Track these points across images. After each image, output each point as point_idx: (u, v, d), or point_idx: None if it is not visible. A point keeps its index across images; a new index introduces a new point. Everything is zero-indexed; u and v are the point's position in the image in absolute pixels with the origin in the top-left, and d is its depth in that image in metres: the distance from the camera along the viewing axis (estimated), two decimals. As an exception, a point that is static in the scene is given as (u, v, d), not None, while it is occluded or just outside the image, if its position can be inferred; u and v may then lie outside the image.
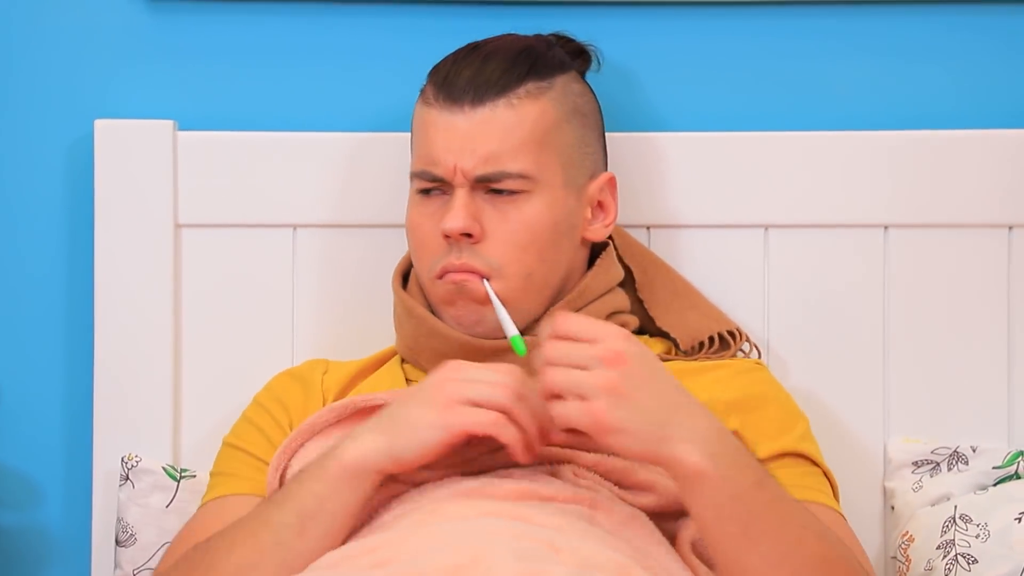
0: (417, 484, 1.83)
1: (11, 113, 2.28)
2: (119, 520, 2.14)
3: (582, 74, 2.14)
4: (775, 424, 2.02)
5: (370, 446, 1.74)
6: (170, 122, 2.20)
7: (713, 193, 2.22)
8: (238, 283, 2.24)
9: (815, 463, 2.00)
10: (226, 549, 1.78)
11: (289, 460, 1.90)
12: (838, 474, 2.11)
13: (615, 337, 1.71)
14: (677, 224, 2.22)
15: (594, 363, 1.70)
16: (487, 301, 1.96)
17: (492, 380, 1.77)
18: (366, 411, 1.88)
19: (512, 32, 2.12)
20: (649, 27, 2.27)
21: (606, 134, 2.18)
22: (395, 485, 1.82)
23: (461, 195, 1.96)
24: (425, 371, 1.96)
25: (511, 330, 1.92)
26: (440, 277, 1.97)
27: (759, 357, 2.18)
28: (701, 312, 2.15)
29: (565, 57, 2.08)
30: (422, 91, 2.05)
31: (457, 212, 1.95)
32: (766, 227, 2.19)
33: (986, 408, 2.26)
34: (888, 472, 2.22)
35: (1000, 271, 2.20)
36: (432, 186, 1.99)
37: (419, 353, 2.00)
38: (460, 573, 1.60)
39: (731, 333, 2.12)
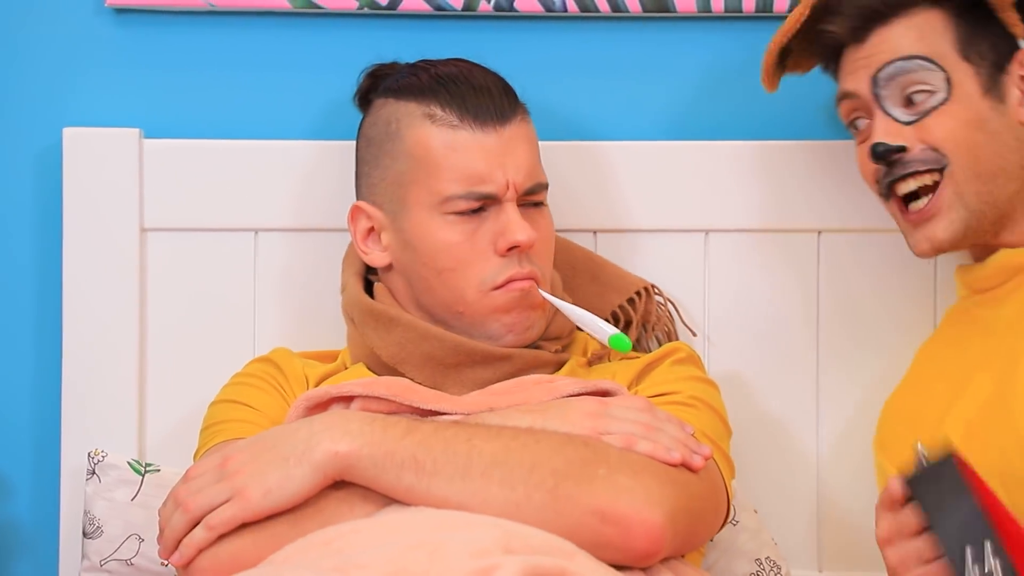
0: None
1: (-19, 122, 2.36)
2: (86, 513, 2.14)
3: None
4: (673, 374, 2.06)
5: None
6: (136, 130, 2.22)
7: (657, 199, 2.24)
8: (201, 285, 2.25)
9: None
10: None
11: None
12: (774, 459, 2.22)
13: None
14: (622, 229, 2.23)
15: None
16: (540, 307, 2.00)
17: (629, 416, 1.85)
18: (339, 400, 1.90)
19: (460, 50, 2.13)
20: (593, 39, 2.29)
21: (555, 143, 2.22)
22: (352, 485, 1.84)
23: (515, 208, 1.99)
24: (410, 377, 2.00)
25: (611, 329, 1.96)
26: (500, 287, 1.99)
27: (669, 315, 2.20)
28: (602, 283, 2.17)
29: None
30: (429, 116, 2.03)
31: (524, 224, 1.97)
32: (706, 231, 2.22)
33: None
34: (820, 454, 2.26)
35: (927, 275, 2.23)
36: (480, 204, 1.99)
37: (405, 360, 2.02)
38: (409, 562, 1.63)
39: (631, 300, 2.15)
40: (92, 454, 2.16)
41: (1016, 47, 2.02)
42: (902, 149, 1.99)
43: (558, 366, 2.07)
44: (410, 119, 2.00)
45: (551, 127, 2.22)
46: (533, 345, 2.05)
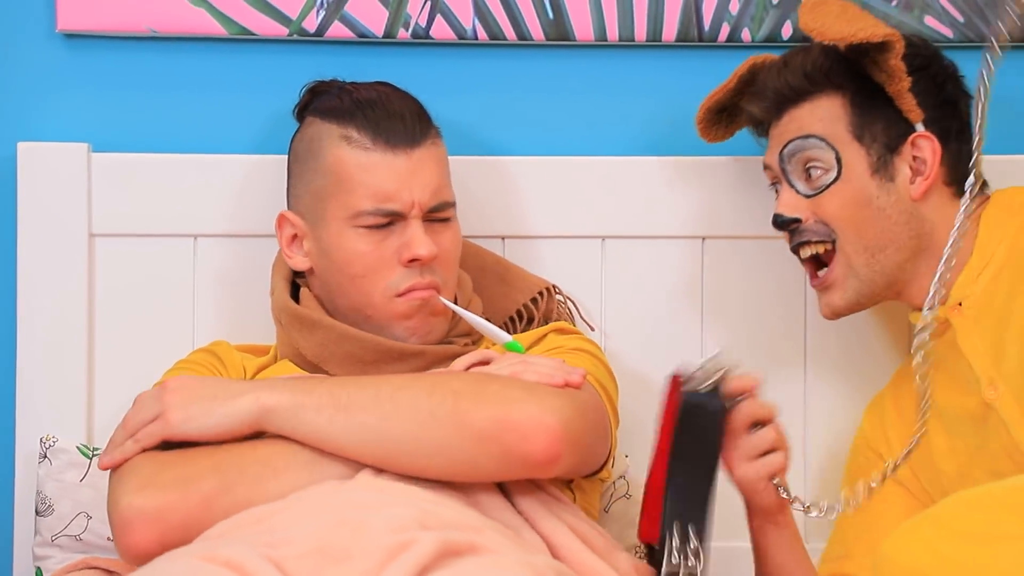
0: None
1: (-60, 136, 2.35)
2: (38, 493, 2.17)
3: None
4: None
5: None
6: (85, 145, 2.25)
7: (558, 208, 2.28)
8: (145, 285, 2.27)
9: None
10: None
11: None
12: None
13: None
14: (528, 235, 2.28)
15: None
16: (440, 313, 2.04)
17: (544, 370, 1.89)
18: None
19: (382, 73, 2.16)
20: (500, 64, 2.33)
21: (473, 157, 2.27)
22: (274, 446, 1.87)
23: (417, 225, 2.02)
24: (333, 373, 2.03)
25: (506, 336, 2.02)
26: (403, 295, 2.03)
27: (568, 312, 2.21)
28: (508, 284, 2.21)
29: None
30: (346, 138, 2.06)
31: (425, 240, 2.01)
32: (603, 238, 2.27)
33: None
34: None
35: (798, 277, 2.24)
36: (388, 220, 2.02)
37: (328, 359, 2.05)
38: (334, 538, 1.67)
39: (534, 300, 2.18)
40: (44, 439, 2.18)
41: (912, 130, 2.05)
42: (796, 220, 2.05)
43: (437, 359, 2.07)
44: (330, 139, 2.04)
45: (463, 143, 2.26)
46: (447, 341, 2.07)
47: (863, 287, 2.05)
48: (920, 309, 2.01)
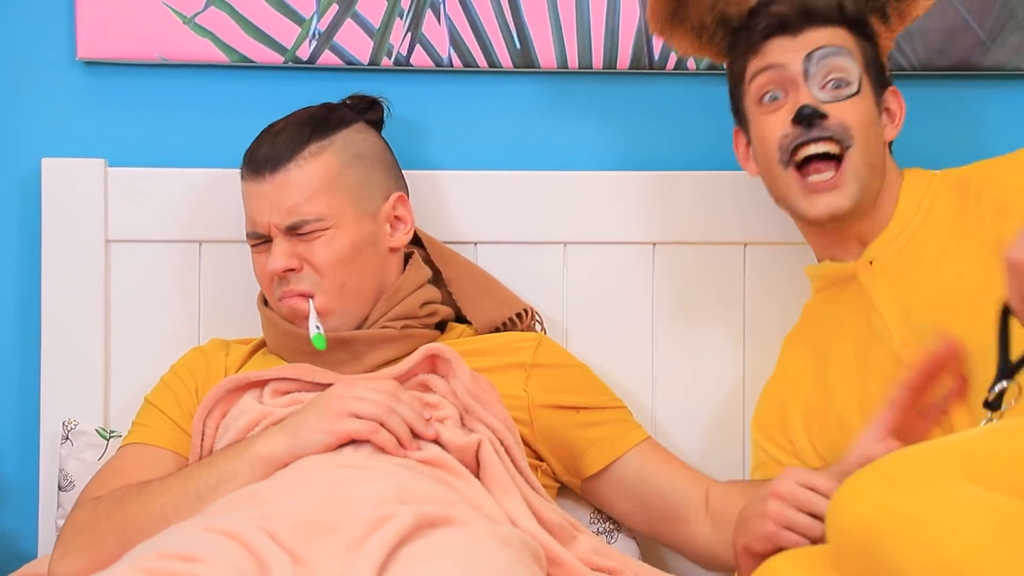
0: None
1: (-26, 154, 2.33)
2: (61, 471, 2.18)
3: (375, 121, 2.16)
4: (578, 381, 2.11)
5: (279, 445, 1.83)
6: (101, 160, 2.26)
7: (525, 217, 2.29)
8: (155, 286, 2.29)
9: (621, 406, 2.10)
10: (159, 492, 1.86)
11: (210, 409, 1.97)
12: None
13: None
14: (498, 241, 2.29)
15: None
16: (321, 313, 2.03)
17: (372, 397, 1.84)
18: (256, 384, 1.98)
19: (355, 90, 2.18)
20: (474, 88, 2.35)
21: (451, 171, 2.28)
22: None
23: (278, 243, 2.03)
24: (286, 360, 2.06)
25: (312, 331, 2.01)
26: (280, 300, 2.04)
27: (543, 331, 2.20)
28: (498, 299, 2.19)
29: (348, 114, 2.11)
30: (241, 168, 2.08)
31: (276, 257, 2.02)
32: (565, 243, 2.29)
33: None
34: (655, 413, 2.29)
35: (738, 279, 2.30)
36: (259, 241, 2.05)
37: (281, 349, 2.08)
38: (322, 512, 1.68)
39: (519, 315, 2.17)
40: (66, 423, 2.21)
41: (887, 83, 2.07)
42: (825, 116, 1.98)
43: (422, 340, 2.06)
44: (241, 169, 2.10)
45: (439, 158, 2.31)
46: (384, 325, 2.07)
47: (857, 196, 2.00)
48: (833, 257, 2.04)
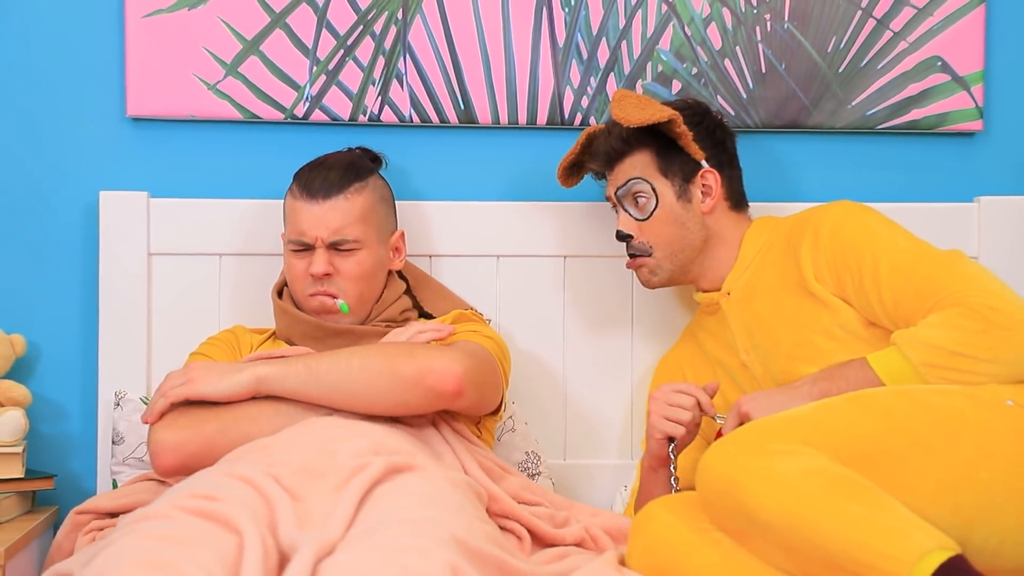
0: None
1: (49, 187, 2.52)
2: (114, 429, 2.40)
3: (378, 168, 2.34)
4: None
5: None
6: (145, 192, 2.48)
7: (468, 236, 2.49)
8: (187, 288, 2.49)
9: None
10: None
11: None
12: (537, 388, 2.48)
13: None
14: (447, 254, 2.50)
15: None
16: (335, 310, 2.22)
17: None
18: (272, 359, 2.10)
19: (347, 145, 2.38)
20: (429, 140, 2.54)
21: (413, 202, 2.47)
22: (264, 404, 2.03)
23: (320, 253, 2.21)
24: (295, 344, 2.21)
25: (340, 304, 2.16)
26: (312, 296, 2.21)
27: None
28: (449, 301, 2.38)
29: (371, 164, 2.31)
30: (290, 188, 2.26)
31: (319, 263, 2.20)
32: (498, 256, 2.51)
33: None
34: (566, 386, 2.47)
35: (628, 282, 2.51)
36: (301, 248, 2.23)
37: (292, 334, 2.24)
38: (315, 460, 1.82)
39: (463, 312, 2.31)
40: (117, 392, 2.44)
41: (700, 167, 2.23)
42: (630, 236, 2.23)
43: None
44: (289, 190, 2.29)
45: (403, 193, 2.47)
46: (376, 323, 2.23)
47: (665, 274, 2.23)
48: (703, 290, 2.24)
